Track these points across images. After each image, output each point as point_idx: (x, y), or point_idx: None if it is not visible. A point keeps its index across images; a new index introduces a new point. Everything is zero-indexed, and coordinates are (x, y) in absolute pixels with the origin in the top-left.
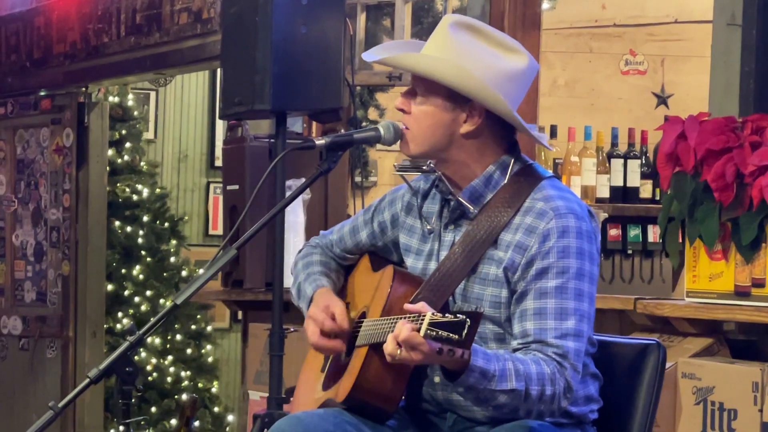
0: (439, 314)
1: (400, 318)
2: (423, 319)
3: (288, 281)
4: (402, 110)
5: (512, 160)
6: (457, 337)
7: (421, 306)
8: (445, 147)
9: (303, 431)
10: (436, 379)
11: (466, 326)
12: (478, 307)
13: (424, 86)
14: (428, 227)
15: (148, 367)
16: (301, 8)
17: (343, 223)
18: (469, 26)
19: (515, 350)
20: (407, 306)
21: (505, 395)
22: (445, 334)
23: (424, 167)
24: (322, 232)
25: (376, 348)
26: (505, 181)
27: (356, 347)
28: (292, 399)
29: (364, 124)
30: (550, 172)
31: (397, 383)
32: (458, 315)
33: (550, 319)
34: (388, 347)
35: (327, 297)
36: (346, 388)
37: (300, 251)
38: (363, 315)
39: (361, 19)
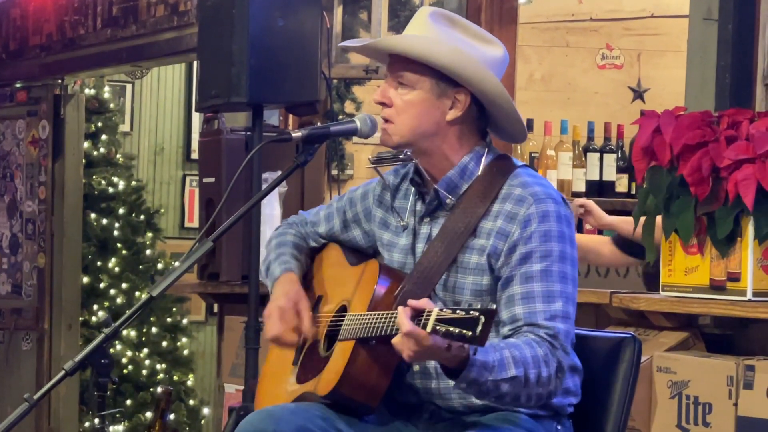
0: (448, 310)
1: (389, 313)
2: (429, 315)
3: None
4: (383, 103)
5: (485, 150)
6: (470, 333)
7: (425, 302)
8: (430, 135)
9: (274, 425)
10: (416, 368)
11: (480, 323)
12: (489, 304)
13: (410, 73)
14: (402, 223)
15: (124, 360)
16: (277, 1)
17: (320, 206)
18: (447, 17)
19: (506, 337)
20: (411, 302)
21: (507, 384)
22: (456, 330)
23: (400, 156)
24: (301, 211)
25: (363, 343)
26: (480, 172)
27: (338, 341)
28: (256, 391)
29: (340, 117)
30: (528, 165)
31: (382, 378)
32: (470, 311)
33: (538, 303)
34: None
35: (296, 290)
36: (330, 382)
37: (277, 228)
38: (342, 309)
39: (338, 12)
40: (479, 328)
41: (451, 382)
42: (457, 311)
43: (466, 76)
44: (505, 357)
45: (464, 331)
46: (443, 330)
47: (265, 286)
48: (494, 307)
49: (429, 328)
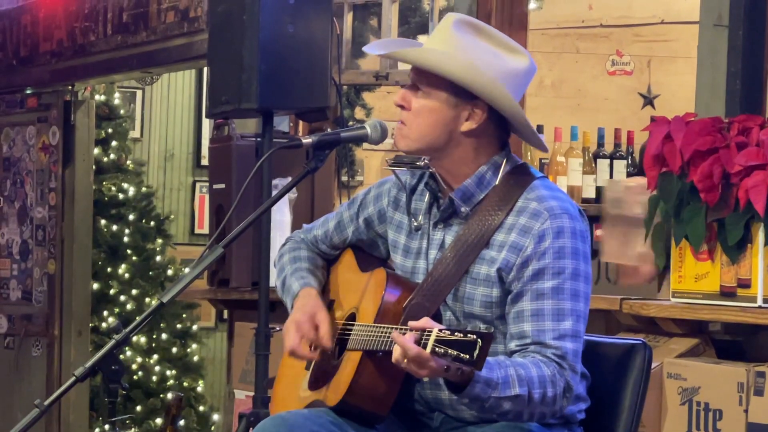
0: (446, 331)
1: (396, 328)
2: (429, 336)
3: (274, 280)
4: (401, 106)
5: (504, 160)
6: (467, 357)
7: (425, 321)
8: (443, 145)
9: (287, 431)
10: (425, 378)
11: (477, 347)
12: (488, 328)
13: (429, 82)
14: (415, 224)
15: (134, 366)
16: (288, 7)
17: (326, 217)
18: (472, 25)
19: (513, 352)
20: (412, 323)
21: (509, 402)
22: (454, 352)
23: (418, 163)
24: (305, 225)
25: (370, 355)
26: (497, 182)
27: (347, 350)
28: (271, 392)
29: (350, 123)
30: (541, 172)
31: (390, 388)
32: (468, 334)
33: (547, 321)
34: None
35: (313, 302)
36: (338, 392)
37: (284, 244)
38: (351, 316)
39: (348, 18)
40: (476, 351)
41: None
42: (456, 333)
43: (479, 91)
44: (510, 375)
45: (461, 354)
46: (442, 351)
47: (275, 292)
48: (492, 330)
49: (428, 349)
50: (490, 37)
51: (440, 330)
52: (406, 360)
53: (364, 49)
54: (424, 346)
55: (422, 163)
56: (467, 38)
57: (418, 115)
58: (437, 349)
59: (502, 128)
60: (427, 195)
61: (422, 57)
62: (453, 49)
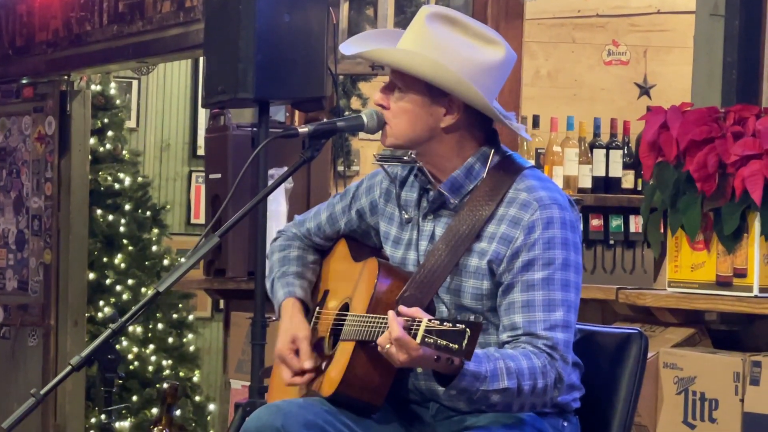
0: (436, 321)
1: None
2: (419, 326)
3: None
4: (381, 106)
5: (492, 152)
6: (456, 347)
7: (415, 311)
8: (425, 141)
9: (282, 420)
10: (419, 369)
11: (467, 336)
12: (477, 317)
13: (402, 80)
14: (406, 216)
15: (130, 356)
16: None
17: (318, 208)
18: (446, 17)
19: (505, 343)
20: (402, 309)
21: (497, 395)
22: (443, 342)
23: (405, 158)
24: (297, 217)
25: (364, 345)
26: (485, 173)
27: (341, 341)
28: (268, 382)
29: (346, 113)
30: (531, 162)
31: (384, 378)
32: (457, 324)
33: (538, 311)
34: (389, 352)
35: (292, 322)
36: (332, 382)
37: (276, 239)
38: (345, 306)
39: (344, 8)
40: (465, 341)
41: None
42: (445, 323)
43: (447, 88)
44: (498, 368)
45: (451, 344)
46: (431, 341)
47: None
48: (481, 320)
49: (418, 339)
50: (465, 29)
51: (430, 320)
52: (389, 345)
53: (341, 47)
54: (414, 336)
55: (409, 158)
56: (440, 32)
57: (396, 115)
58: (427, 339)
59: (484, 119)
60: (417, 187)
61: (389, 56)
62: (422, 47)
